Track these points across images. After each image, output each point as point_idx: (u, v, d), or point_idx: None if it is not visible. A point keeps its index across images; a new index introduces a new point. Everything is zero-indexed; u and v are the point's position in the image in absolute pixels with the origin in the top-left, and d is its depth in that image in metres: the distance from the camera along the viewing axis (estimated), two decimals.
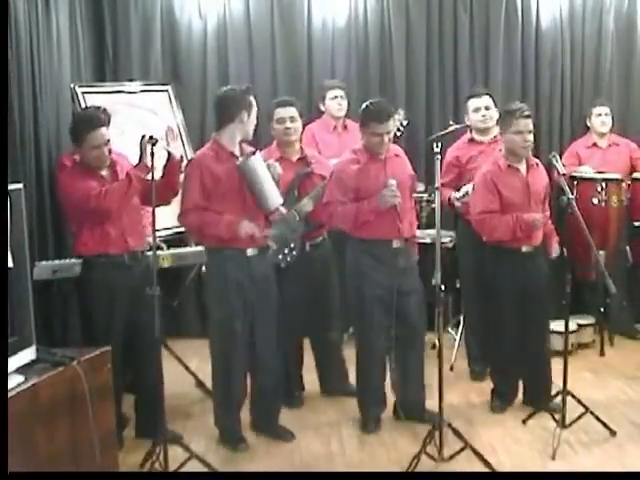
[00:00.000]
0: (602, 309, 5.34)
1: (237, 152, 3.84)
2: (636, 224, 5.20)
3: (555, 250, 4.28)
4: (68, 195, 3.84)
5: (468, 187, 4.54)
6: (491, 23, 5.82)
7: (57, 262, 4.31)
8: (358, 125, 4.13)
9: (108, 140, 3.80)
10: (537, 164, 4.24)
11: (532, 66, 5.87)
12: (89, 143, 3.76)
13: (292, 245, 4.19)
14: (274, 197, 3.79)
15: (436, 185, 3.58)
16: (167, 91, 5.34)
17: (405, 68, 5.80)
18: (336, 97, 5.33)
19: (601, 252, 4.47)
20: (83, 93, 4.96)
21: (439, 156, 3.63)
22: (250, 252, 3.82)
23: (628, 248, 5.34)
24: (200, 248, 4.60)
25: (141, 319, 3.77)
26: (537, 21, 5.85)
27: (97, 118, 3.79)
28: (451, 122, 5.22)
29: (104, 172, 3.86)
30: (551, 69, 5.87)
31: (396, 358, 4.12)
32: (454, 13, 5.80)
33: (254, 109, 3.87)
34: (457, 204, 4.68)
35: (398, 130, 4.33)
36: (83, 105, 4.81)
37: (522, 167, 4.14)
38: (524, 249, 4.12)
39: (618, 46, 5.89)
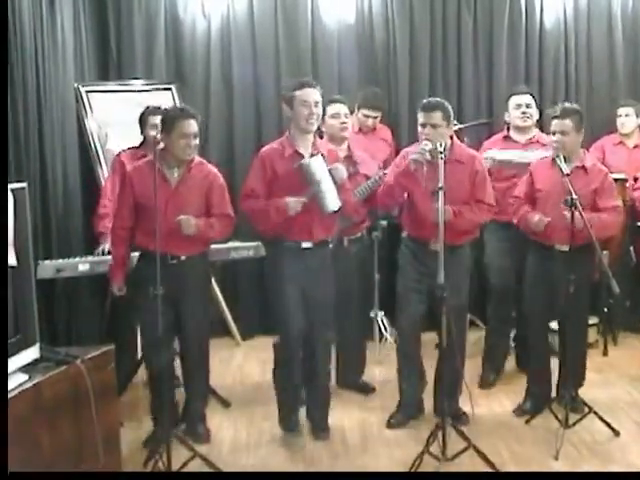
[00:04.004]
0: (606, 309, 5.33)
1: (306, 151, 3.83)
2: (639, 224, 5.20)
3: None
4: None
5: (491, 152, 4.53)
6: (495, 24, 5.82)
7: (61, 261, 4.32)
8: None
9: (196, 135, 3.78)
10: (585, 168, 4.06)
11: (536, 67, 5.87)
12: (180, 131, 3.72)
13: (329, 239, 4.18)
14: (331, 201, 3.77)
15: (440, 185, 3.57)
16: (171, 90, 5.35)
17: (409, 69, 5.80)
18: (368, 117, 5.20)
19: (605, 252, 4.46)
20: (87, 92, 4.98)
21: (443, 155, 3.63)
22: (305, 245, 3.83)
23: (632, 248, 5.35)
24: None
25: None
26: (541, 22, 5.85)
27: (189, 110, 3.83)
28: (454, 122, 5.21)
29: (174, 174, 3.79)
30: (554, 70, 5.87)
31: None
32: (458, 14, 5.80)
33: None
34: (488, 165, 4.39)
35: None
36: (87, 104, 4.84)
37: (567, 166, 3.94)
38: (557, 247, 4.04)
39: (622, 46, 5.88)
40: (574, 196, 3.79)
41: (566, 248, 3.96)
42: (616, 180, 4.94)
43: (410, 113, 4.80)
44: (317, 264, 3.88)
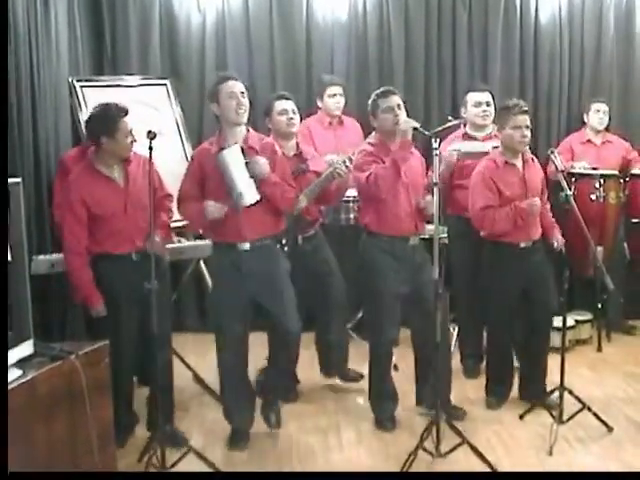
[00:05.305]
0: (600, 305, 5.34)
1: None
2: (634, 220, 5.21)
3: (558, 241, 4.21)
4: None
5: (459, 144, 4.62)
6: (490, 19, 5.81)
7: (55, 256, 4.30)
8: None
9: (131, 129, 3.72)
10: (532, 159, 4.25)
11: (531, 63, 5.87)
12: (123, 130, 3.65)
13: (283, 241, 4.16)
14: (246, 194, 3.64)
15: (434, 181, 3.57)
16: (165, 85, 5.33)
17: (404, 64, 5.79)
18: (335, 95, 5.24)
19: (599, 248, 4.48)
20: (81, 87, 4.95)
21: (438, 152, 3.62)
22: (241, 246, 3.77)
23: (626, 244, 5.36)
24: (198, 242, 4.60)
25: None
26: (536, 18, 5.84)
27: (122, 105, 3.72)
28: (450, 117, 5.21)
29: (116, 172, 3.74)
30: (550, 66, 5.87)
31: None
32: (453, 10, 5.79)
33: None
34: (453, 156, 4.55)
35: None
36: (82, 99, 4.80)
37: (519, 163, 4.17)
38: (522, 245, 4.13)
39: (617, 43, 5.88)
40: (568, 192, 3.81)
41: (529, 244, 4.15)
42: (611, 176, 4.98)
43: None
44: (258, 264, 3.77)
